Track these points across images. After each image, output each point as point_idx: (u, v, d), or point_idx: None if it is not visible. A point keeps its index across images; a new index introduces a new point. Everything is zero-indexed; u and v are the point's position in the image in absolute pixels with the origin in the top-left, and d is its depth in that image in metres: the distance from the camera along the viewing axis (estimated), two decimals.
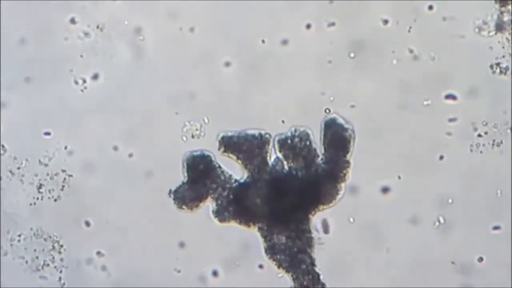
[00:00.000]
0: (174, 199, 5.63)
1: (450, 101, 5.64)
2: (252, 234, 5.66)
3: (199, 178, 5.63)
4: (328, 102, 5.63)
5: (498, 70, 5.59)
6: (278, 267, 5.64)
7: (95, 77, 5.78)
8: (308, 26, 5.69)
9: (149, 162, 5.76)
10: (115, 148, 5.79)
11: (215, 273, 5.75)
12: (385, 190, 5.65)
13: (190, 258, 5.76)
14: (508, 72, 5.58)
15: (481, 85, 5.62)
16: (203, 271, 5.74)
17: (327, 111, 5.59)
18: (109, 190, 5.78)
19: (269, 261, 5.65)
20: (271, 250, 5.64)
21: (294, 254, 5.62)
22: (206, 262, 5.74)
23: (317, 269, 5.64)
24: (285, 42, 5.70)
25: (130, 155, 5.78)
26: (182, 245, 5.75)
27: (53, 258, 5.84)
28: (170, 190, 5.61)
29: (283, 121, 5.64)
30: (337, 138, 5.59)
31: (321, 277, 5.65)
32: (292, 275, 5.65)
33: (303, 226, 5.63)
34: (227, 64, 5.73)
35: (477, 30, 5.61)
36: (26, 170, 5.80)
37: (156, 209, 5.72)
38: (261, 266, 5.69)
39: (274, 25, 5.71)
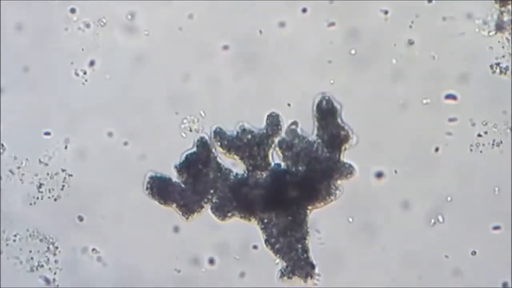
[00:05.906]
0: (179, 208, 5.68)
1: (450, 101, 5.65)
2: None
3: (199, 176, 5.62)
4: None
5: (498, 70, 5.61)
6: (276, 255, 5.71)
7: (95, 69, 5.75)
8: (308, 23, 5.69)
9: (149, 159, 5.75)
10: (114, 144, 5.78)
11: (211, 261, 5.77)
12: (380, 180, 5.67)
13: (185, 243, 5.77)
14: (508, 72, 5.61)
15: (481, 85, 5.64)
16: (199, 259, 5.77)
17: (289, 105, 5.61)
18: (108, 187, 5.77)
19: (269, 250, 5.72)
20: (270, 241, 5.71)
21: (291, 244, 5.67)
22: (201, 248, 5.76)
23: (310, 256, 5.70)
24: (284, 39, 5.69)
25: (126, 144, 5.76)
26: (176, 229, 5.76)
27: (48, 259, 5.81)
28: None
29: (289, 104, 5.62)
30: (334, 136, 5.59)
31: (314, 262, 5.71)
32: (287, 261, 5.72)
33: (301, 220, 5.65)
34: (225, 47, 5.71)
35: (477, 30, 5.63)
36: (26, 169, 5.77)
37: (156, 207, 5.71)
38: (255, 247, 5.75)
39: (273, 18, 5.70)
